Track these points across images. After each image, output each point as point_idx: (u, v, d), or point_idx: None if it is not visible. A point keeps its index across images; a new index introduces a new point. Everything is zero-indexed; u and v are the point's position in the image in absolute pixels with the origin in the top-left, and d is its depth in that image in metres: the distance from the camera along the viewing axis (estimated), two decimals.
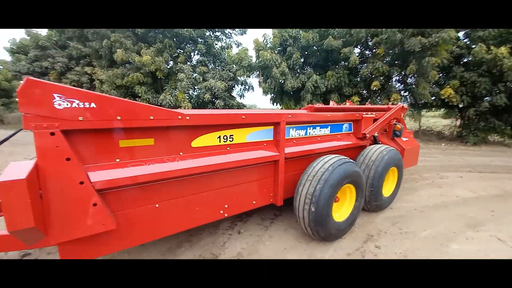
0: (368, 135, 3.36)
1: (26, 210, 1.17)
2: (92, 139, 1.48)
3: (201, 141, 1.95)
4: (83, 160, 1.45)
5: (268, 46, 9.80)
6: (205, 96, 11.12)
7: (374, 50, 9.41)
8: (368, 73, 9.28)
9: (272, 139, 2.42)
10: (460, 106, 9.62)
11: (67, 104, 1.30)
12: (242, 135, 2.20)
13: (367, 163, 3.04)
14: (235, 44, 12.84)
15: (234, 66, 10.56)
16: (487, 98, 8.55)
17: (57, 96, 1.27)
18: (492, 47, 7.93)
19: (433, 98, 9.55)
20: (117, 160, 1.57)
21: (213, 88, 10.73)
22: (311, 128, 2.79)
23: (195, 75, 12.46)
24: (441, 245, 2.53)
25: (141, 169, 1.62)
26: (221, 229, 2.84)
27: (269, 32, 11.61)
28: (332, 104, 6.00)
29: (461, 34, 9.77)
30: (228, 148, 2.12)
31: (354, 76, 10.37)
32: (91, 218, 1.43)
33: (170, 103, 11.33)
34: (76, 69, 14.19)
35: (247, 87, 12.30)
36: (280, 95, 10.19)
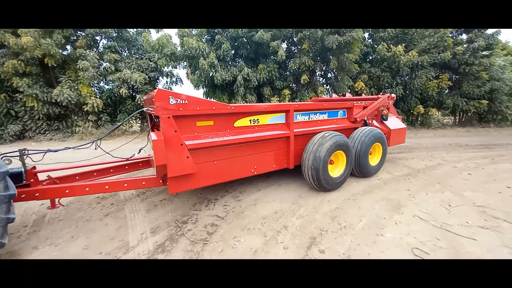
0: (358, 119, 4.24)
1: (163, 154, 2.37)
2: (185, 120, 2.61)
3: (239, 122, 2.99)
4: (182, 132, 2.56)
5: (194, 32, 8.82)
6: (120, 90, 9.19)
7: (299, 46, 9.81)
8: (296, 67, 9.63)
9: (285, 122, 3.44)
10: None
11: (175, 101, 2.47)
12: (264, 119, 3.23)
13: (356, 139, 4.00)
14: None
15: (156, 54, 9.10)
16: (389, 89, 10.23)
17: (171, 97, 2.45)
18: (391, 46, 9.42)
19: (349, 90, 10.78)
20: (195, 133, 2.71)
21: (129, 80, 8.90)
22: (313, 114, 3.78)
23: (104, 64, 10.20)
24: (377, 235, 2.52)
25: (206, 139, 2.74)
26: None
27: None
28: (334, 95, 7.13)
29: (366, 35, 11.29)
30: (256, 128, 3.15)
31: (284, 70, 10.63)
32: (186, 164, 2.56)
33: (70, 99, 8.82)
34: None
35: (174, 79, 10.88)
36: (213, 88, 9.46)
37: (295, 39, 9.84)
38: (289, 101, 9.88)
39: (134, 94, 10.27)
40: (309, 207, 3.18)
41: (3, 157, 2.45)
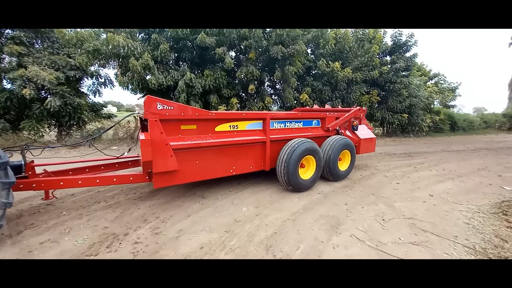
0: (331, 128, 4.64)
1: (149, 152, 2.71)
2: (170, 124, 2.96)
3: (220, 127, 3.43)
4: (167, 134, 2.88)
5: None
6: (23, 91, 7.23)
7: (246, 55, 9.63)
8: (244, 76, 9.39)
9: (262, 128, 3.84)
10: None
11: (162, 107, 2.82)
12: (243, 125, 3.68)
13: (327, 146, 4.36)
14: None
15: (79, 50, 7.54)
16: (330, 102, 10.90)
17: (158, 103, 2.81)
18: (330, 62, 10.07)
19: (295, 102, 11.10)
20: (180, 135, 3.07)
21: (36, 79, 7.04)
22: (289, 122, 4.18)
23: (6, 59, 8.05)
24: None
25: (189, 141, 3.10)
26: None
27: None
28: (315, 106, 7.42)
29: (309, 50, 11.94)
30: (235, 133, 3.59)
31: (232, 78, 10.29)
32: (170, 162, 2.88)
33: None
34: None
35: (102, 80, 9.23)
36: (149, 93, 8.35)
37: (242, 47, 9.64)
38: (237, 110, 9.54)
39: (47, 95, 8.27)
40: (243, 235, 2.70)
41: (6, 150, 2.77)
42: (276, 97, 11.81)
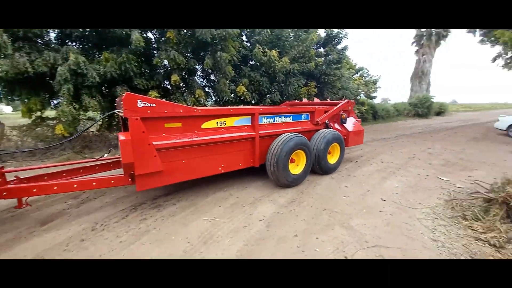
0: (320, 122, 4.66)
1: (129, 153, 2.58)
2: (153, 122, 2.77)
3: (207, 124, 3.25)
4: (149, 133, 2.72)
5: None
6: None
7: (165, 35, 7.69)
8: (163, 63, 7.49)
9: (250, 124, 3.72)
10: (253, 102, 10.80)
11: (143, 104, 2.63)
12: (231, 121, 3.50)
13: (317, 140, 4.37)
14: None
15: None
16: (268, 95, 10.06)
17: (139, 100, 2.61)
18: (267, 50, 9.14)
19: (232, 95, 9.83)
20: (163, 134, 2.88)
21: None
22: (278, 117, 4.11)
23: None
24: None
25: (174, 140, 2.92)
26: None
27: None
28: (304, 100, 7.20)
29: (244, 37, 10.79)
30: (223, 129, 3.42)
31: (153, 66, 8.19)
32: (153, 162, 2.74)
33: None
34: None
35: None
36: (11, 85, 5.55)
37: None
38: None
39: None
40: None
41: None
42: (210, 90, 10.28)
